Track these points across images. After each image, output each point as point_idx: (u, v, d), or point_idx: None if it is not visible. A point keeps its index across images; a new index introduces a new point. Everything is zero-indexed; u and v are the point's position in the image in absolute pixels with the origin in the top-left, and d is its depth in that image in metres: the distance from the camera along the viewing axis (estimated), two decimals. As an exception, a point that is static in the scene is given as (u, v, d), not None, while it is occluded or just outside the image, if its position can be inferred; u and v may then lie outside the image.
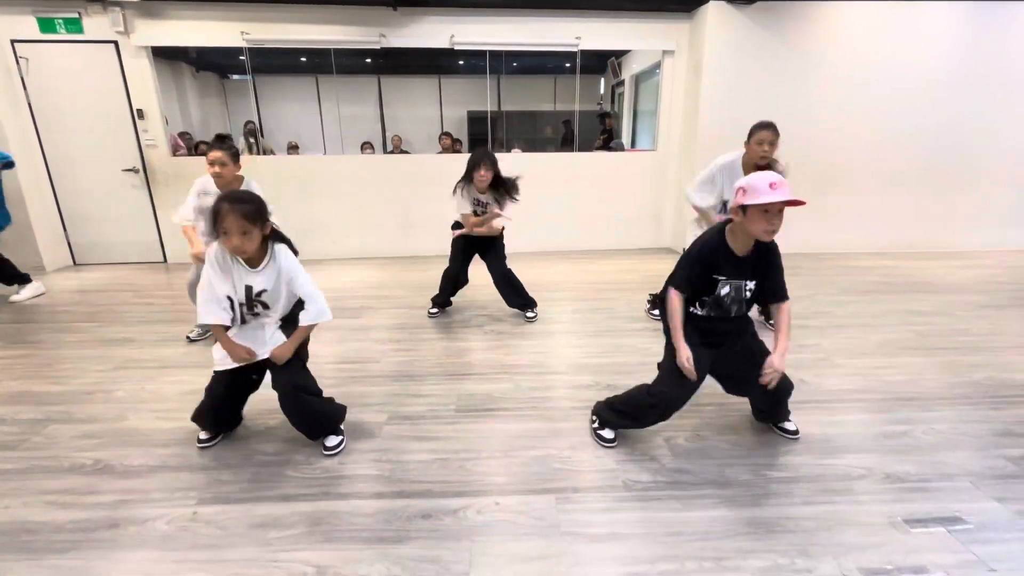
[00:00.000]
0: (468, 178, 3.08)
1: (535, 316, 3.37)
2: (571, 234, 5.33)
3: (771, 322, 2.25)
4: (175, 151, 4.88)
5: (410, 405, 2.27)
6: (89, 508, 1.64)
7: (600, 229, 5.35)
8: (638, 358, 2.74)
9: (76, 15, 4.29)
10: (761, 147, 2.68)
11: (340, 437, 1.98)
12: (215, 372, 1.90)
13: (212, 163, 2.60)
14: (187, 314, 3.49)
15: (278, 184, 4.69)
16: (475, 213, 3.16)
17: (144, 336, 3.11)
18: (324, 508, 1.64)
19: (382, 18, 4.56)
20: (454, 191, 3.17)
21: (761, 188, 1.58)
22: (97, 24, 4.32)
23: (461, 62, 7.00)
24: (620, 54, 6.67)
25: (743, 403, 2.08)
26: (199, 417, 1.96)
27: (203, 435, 1.99)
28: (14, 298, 3.80)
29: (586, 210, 5.27)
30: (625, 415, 1.94)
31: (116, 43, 4.40)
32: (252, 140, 6.04)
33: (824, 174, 4.92)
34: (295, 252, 1.89)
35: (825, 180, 4.94)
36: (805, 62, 4.66)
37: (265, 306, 1.85)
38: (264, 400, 2.35)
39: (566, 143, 6.95)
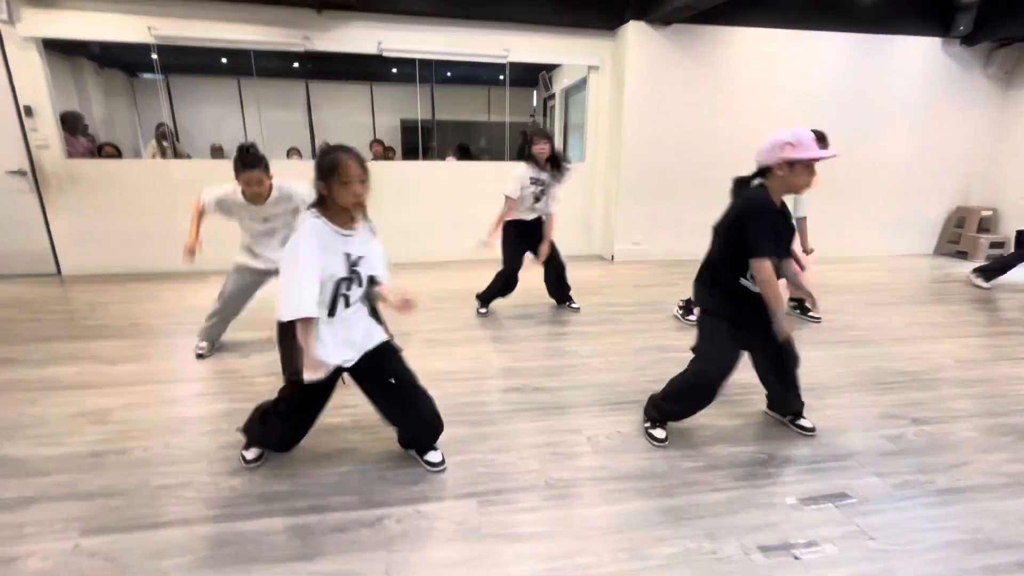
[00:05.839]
0: (527, 155, 3.21)
1: (578, 306, 3.70)
2: (504, 242, 5.36)
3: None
4: (70, 153, 4.45)
5: (331, 416, 2.18)
6: (-56, 550, 1.44)
7: (533, 237, 5.42)
8: (565, 360, 2.80)
9: (-53, -2, 3.83)
10: None
11: (441, 453, 1.88)
12: (301, 386, 1.57)
13: (249, 183, 2.42)
14: (85, 330, 3.18)
15: (195, 189, 4.38)
16: (535, 197, 3.26)
17: (29, 356, 2.79)
18: (229, 529, 1.53)
19: (306, 20, 4.42)
20: (509, 182, 3.23)
21: (808, 143, 1.59)
22: (-26, 10, 3.88)
23: (394, 70, 6.90)
24: (551, 68, 6.86)
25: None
26: (262, 439, 1.85)
27: (250, 454, 1.85)
28: None
29: (519, 218, 5.33)
30: (668, 407, 1.98)
31: (-2, 32, 3.97)
32: (164, 144, 5.63)
33: (727, 184, 5.30)
34: None
35: (728, 190, 5.31)
36: (714, 79, 5.01)
37: (360, 282, 1.65)
38: (160, 418, 2.18)
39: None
